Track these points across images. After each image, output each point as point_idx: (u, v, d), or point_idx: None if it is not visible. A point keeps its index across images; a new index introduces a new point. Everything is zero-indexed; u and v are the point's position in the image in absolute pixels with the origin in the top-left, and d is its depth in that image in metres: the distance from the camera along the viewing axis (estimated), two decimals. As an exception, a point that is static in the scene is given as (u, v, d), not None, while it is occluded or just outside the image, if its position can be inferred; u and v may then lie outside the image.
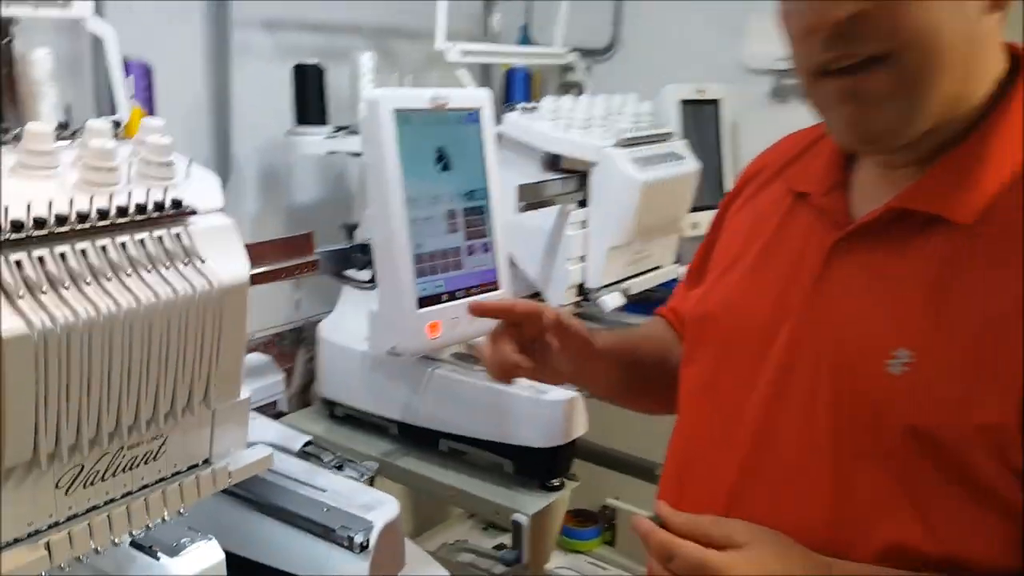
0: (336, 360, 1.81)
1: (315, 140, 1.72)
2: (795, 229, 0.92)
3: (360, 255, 1.38)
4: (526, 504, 1.57)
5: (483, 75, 2.33)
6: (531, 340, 1.10)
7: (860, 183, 0.88)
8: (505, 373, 1.12)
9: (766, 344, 0.89)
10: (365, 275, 1.43)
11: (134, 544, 1.01)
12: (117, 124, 0.99)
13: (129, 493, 0.92)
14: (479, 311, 1.12)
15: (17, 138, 0.89)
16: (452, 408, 1.64)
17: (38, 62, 1.16)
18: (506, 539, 2.39)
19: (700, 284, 1.07)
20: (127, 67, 1.33)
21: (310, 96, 1.72)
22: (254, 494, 1.24)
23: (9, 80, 1.06)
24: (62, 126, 0.97)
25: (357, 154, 1.78)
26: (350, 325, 1.81)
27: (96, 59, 1.60)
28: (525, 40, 2.59)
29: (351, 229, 1.40)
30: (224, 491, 1.20)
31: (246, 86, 1.89)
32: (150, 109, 1.27)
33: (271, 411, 1.67)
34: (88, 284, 0.80)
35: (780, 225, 0.94)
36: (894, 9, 0.72)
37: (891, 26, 0.73)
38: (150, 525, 0.93)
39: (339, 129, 1.78)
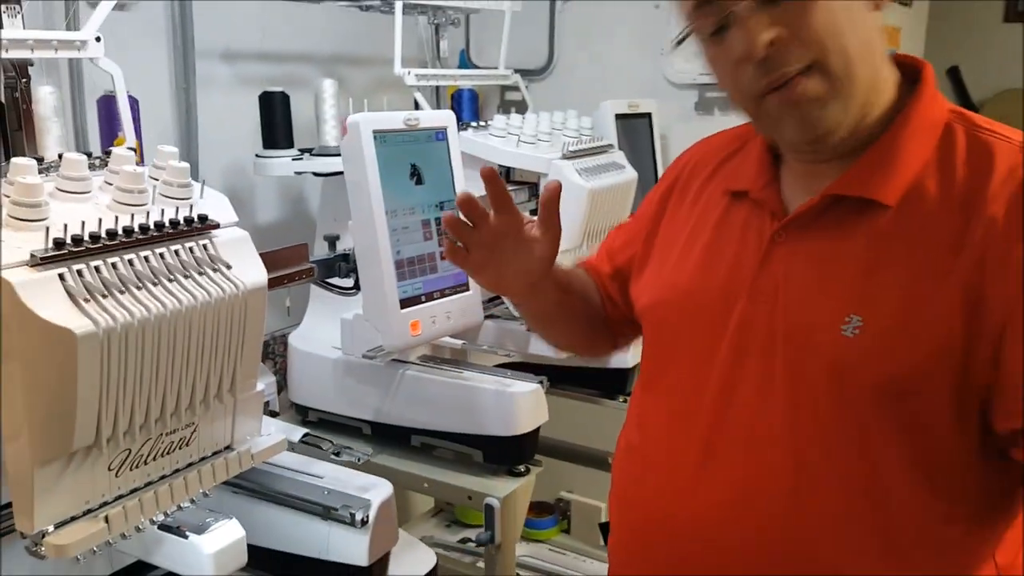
0: (308, 367, 1.92)
1: (282, 162, 1.85)
2: (735, 222, 1.01)
3: (343, 264, 1.51)
4: (496, 489, 1.70)
5: (434, 97, 2.49)
6: (497, 236, 1.08)
7: (789, 179, 1.00)
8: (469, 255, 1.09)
9: (720, 325, 0.96)
10: (347, 283, 1.56)
11: (162, 527, 1.12)
12: (133, 151, 1.11)
13: (166, 475, 1.04)
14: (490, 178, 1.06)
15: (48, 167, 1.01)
16: (422, 405, 1.77)
17: (44, 99, 1.27)
18: (469, 533, 2.54)
19: (639, 272, 1.14)
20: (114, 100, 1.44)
21: (277, 121, 1.84)
22: (257, 484, 1.36)
23: (27, 116, 1.17)
24: (87, 155, 1.08)
25: (319, 174, 1.91)
26: (320, 335, 1.93)
27: (75, 95, 1.71)
28: (464, 63, 2.76)
29: (333, 240, 1.53)
30: (228, 483, 1.32)
31: (209, 113, 2.01)
32: (139, 138, 1.38)
33: (265, 411, 1.77)
34: (139, 289, 0.92)
35: (720, 220, 1.03)
36: (806, 26, 0.83)
37: (808, 41, 0.84)
38: (186, 503, 1.05)
39: (303, 151, 1.90)
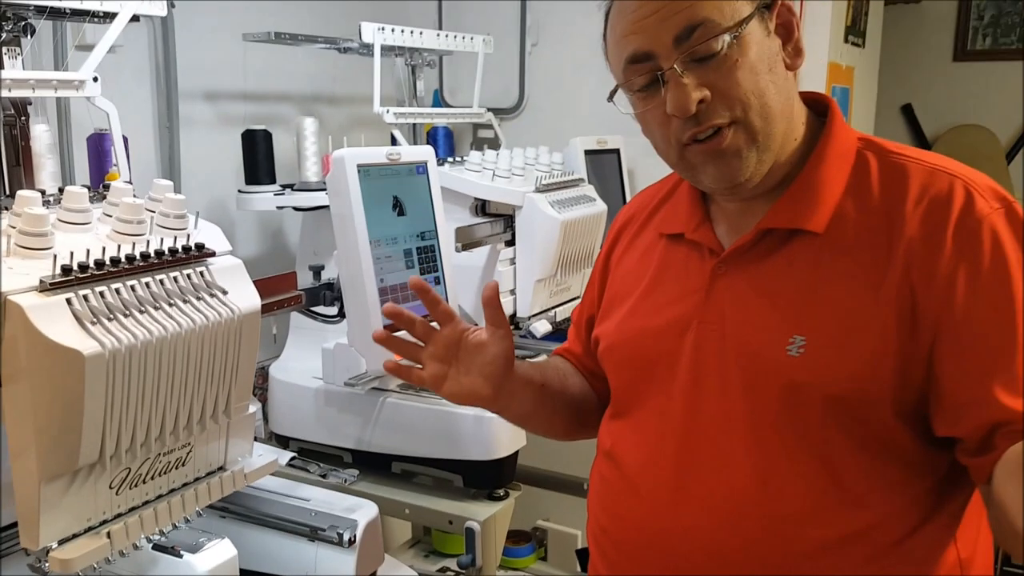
0: (288, 398, 1.96)
1: (265, 197, 1.90)
2: (676, 262, 1.07)
3: (327, 292, 1.56)
4: (476, 513, 1.74)
5: (411, 134, 2.57)
6: (447, 347, 1.09)
7: (720, 217, 1.05)
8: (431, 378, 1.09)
9: (676, 353, 1.02)
10: (332, 311, 1.61)
11: (157, 547, 1.16)
12: (128, 183, 1.17)
13: (163, 495, 1.08)
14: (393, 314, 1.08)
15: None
16: (403, 432, 1.81)
17: (39, 136, 1.32)
18: (448, 563, 2.57)
19: (602, 322, 1.18)
20: (107, 139, 1.49)
21: (259, 158, 1.90)
22: (245, 507, 1.40)
23: (25, 152, 1.22)
24: (86, 187, 1.13)
25: (300, 208, 1.97)
26: (299, 365, 1.97)
27: (63, 133, 1.76)
28: (437, 102, 2.84)
29: (318, 270, 1.58)
30: (216, 507, 1.36)
31: (191, 151, 2.07)
32: (130, 173, 1.43)
33: (250, 438, 1.80)
34: (141, 313, 0.97)
35: (661, 262, 1.09)
36: (732, 87, 0.91)
37: (733, 100, 0.92)
38: (183, 520, 1.09)
39: (284, 187, 1.96)
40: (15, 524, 1.16)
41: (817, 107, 1.03)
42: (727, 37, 0.90)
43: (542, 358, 1.92)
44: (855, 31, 2.65)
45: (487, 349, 1.08)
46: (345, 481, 1.41)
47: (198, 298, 1.04)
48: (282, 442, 1.99)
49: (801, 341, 0.93)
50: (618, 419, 1.13)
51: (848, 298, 0.92)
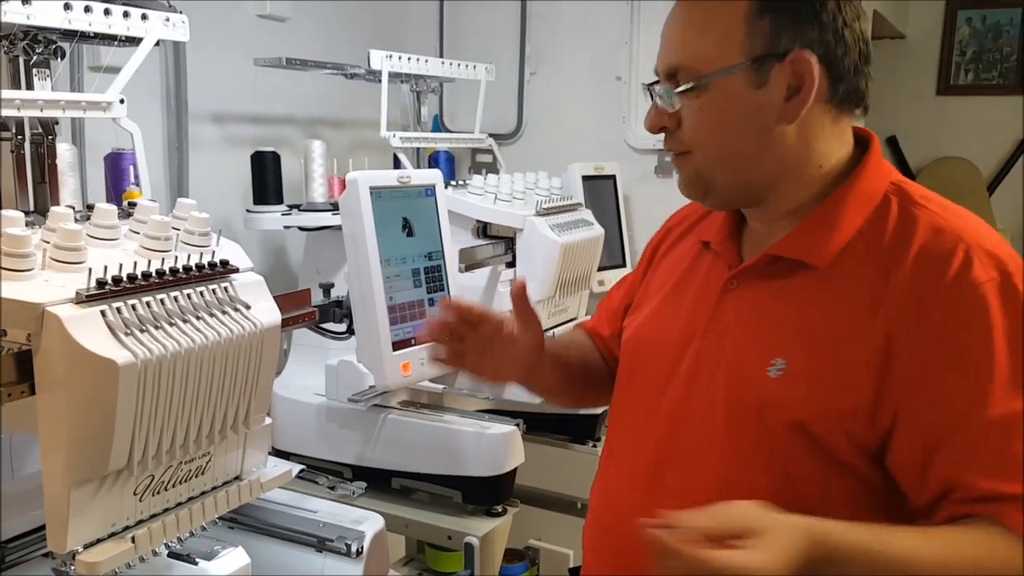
0: (290, 414, 1.99)
1: (272, 217, 1.95)
2: (700, 270, 1.14)
3: (337, 309, 1.61)
4: (475, 528, 1.78)
5: (414, 158, 2.62)
6: (484, 341, 1.18)
7: (749, 233, 1.13)
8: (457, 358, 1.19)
9: (678, 358, 1.09)
10: (340, 327, 1.66)
11: (172, 554, 1.19)
12: (152, 201, 1.21)
13: (182, 502, 1.12)
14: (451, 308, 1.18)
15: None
16: (403, 448, 1.85)
17: (62, 155, 1.36)
18: (442, 582, 2.59)
19: (632, 313, 1.27)
20: (124, 158, 1.54)
21: (268, 179, 1.95)
22: (255, 519, 1.43)
23: (51, 171, 1.26)
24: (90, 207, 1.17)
25: (305, 228, 2.02)
26: (301, 382, 2.01)
27: (80, 153, 1.80)
28: (437, 127, 2.91)
29: (328, 288, 1.63)
30: (226, 518, 1.40)
31: (198, 171, 2.11)
32: (151, 191, 1.48)
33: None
34: (170, 325, 1.01)
35: (689, 267, 1.16)
36: (688, 125, 1.01)
37: (686, 137, 1.02)
38: (201, 527, 1.12)
39: (291, 207, 2.01)
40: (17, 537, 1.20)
41: (864, 142, 1.07)
42: (699, 82, 0.99)
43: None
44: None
45: (519, 342, 1.20)
46: (353, 493, 1.45)
47: (223, 312, 1.08)
48: (283, 457, 2.01)
49: (782, 364, 0.99)
50: (618, 411, 1.20)
51: (833, 335, 0.97)
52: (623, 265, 2.51)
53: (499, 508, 1.84)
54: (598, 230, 2.16)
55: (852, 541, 0.89)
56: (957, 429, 0.91)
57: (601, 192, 2.47)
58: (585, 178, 2.39)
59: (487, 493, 1.83)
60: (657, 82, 1.04)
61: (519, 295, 1.18)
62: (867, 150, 1.06)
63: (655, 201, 2.64)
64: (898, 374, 0.93)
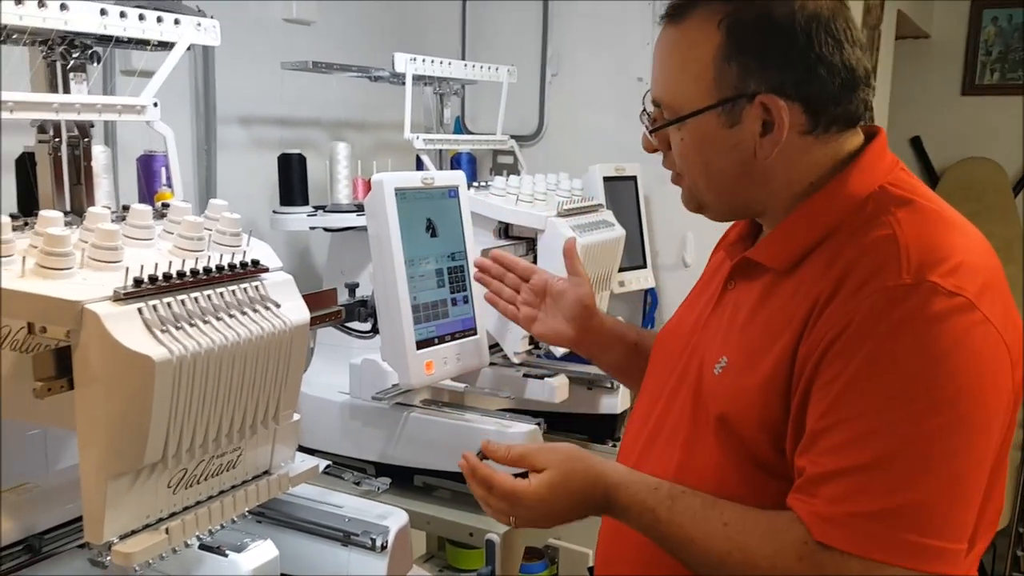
0: (313, 411, 2.02)
1: (299, 218, 1.98)
2: (720, 271, 1.20)
3: (362, 309, 1.64)
4: (496, 526, 1.79)
5: (437, 159, 2.65)
6: (535, 293, 1.39)
7: (761, 236, 1.17)
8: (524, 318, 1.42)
9: (681, 354, 1.16)
10: (365, 326, 1.69)
11: (203, 546, 1.22)
12: (185, 202, 1.25)
13: (213, 495, 1.15)
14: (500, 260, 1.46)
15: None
16: (425, 446, 1.87)
17: (97, 157, 1.40)
18: (463, 579, 2.62)
19: None
20: (156, 160, 1.57)
21: (294, 180, 1.98)
22: (281, 513, 1.46)
23: (87, 172, 1.30)
24: (125, 208, 1.21)
25: (330, 229, 2.05)
26: (324, 380, 2.04)
27: (114, 156, 1.84)
28: (459, 129, 2.93)
29: (352, 288, 1.66)
30: (253, 512, 1.43)
31: (225, 173, 2.15)
32: (183, 192, 1.51)
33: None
34: (204, 323, 1.04)
35: (715, 268, 1.24)
36: (677, 156, 1.08)
37: (674, 160, 1.09)
38: (231, 520, 1.15)
39: (317, 208, 2.04)
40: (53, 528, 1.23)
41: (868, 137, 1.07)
42: (676, 120, 1.04)
43: (561, 377, 2.01)
44: (865, 66, 2.73)
45: (568, 295, 1.38)
46: (378, 489, 1.48)
47: (253, 310, 1.11)
48: (308, 454, 2.05)
49: (724, 362, 1.05)
50: (637, 399, 1.29)
51: (767, 334, 1.00)
52: (644, 266, 2.53)
53: (520, 506, 1.86)
54: (619, 231, 2.17)
55: (632, 496, 1.02)
56: (819, 424, 0.92)
57: (622, 193, 2.48)
58: (606, 179, 2.41)
59: (508, 491, 1.85)
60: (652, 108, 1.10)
61: (570, 250, 1.38)
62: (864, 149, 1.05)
63: (676, 202, 2.62)
64: (798, 371, 0.95)
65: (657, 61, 1.08)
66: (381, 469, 1.95)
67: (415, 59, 2.00)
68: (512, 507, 1.07)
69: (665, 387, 1.17)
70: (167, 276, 1.03)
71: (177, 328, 1.01)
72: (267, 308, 1.13)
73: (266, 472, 1.23)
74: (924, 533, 0.85)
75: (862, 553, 0.86)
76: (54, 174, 1.25)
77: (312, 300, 1.35)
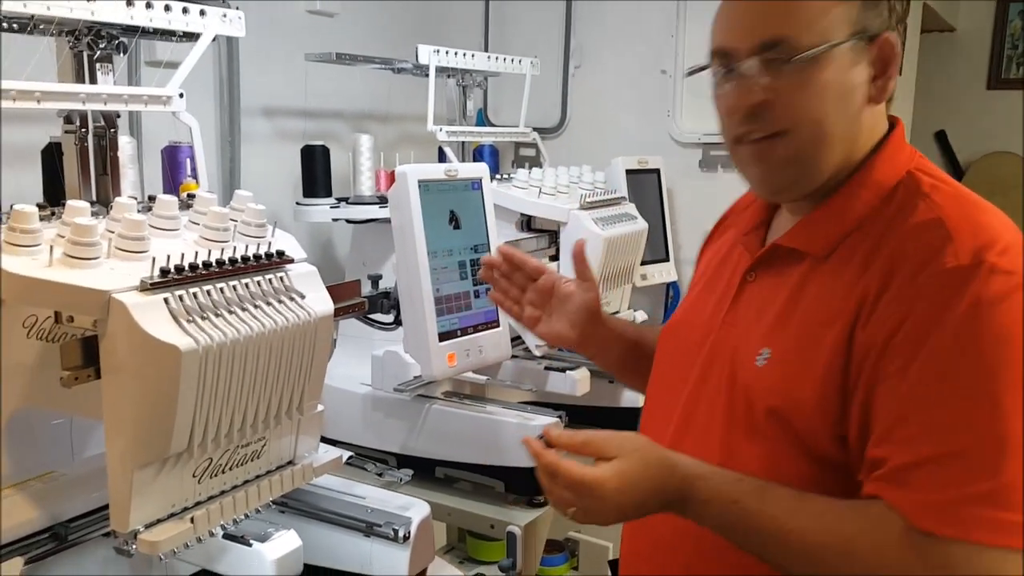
0: (335, 403, 2.02)
1: (322, 209, 1.99)
2: (730, 261, 1.17)
3: (384, 300, 1.64)
4: (517, 518, 1.80)
5: (460, 151, 2.65)
6: (541, 294, 1.33)
7: (776, 225, 1.15)
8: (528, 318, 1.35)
9: (700, 346, 1.12)
10: (388, 318, 1.69)
11: (227, 536, 1.23)
12: (211, 193, 1.25)
13: (238, 485, 1.15)
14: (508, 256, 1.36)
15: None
16: (447, 438, 1.87)
17: (123, 148, 1.41)
18: (483, 570, 2.62)
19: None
20: (181, 151, 1.58)
21: (317, 172, 1.99)
22: (304, 503, 1.46)
23: (113, 163, 1.30)
24: (151, 198, 1.21)
25: (353, 220, 2.05)
26: (346, 371, 2.05)
27: (140, 146, 1.85)
28: (481, 121, 2.93)
29: (376, 280, 1.66)
30: (277, 502, 1.43)
31: (249, 164, 2.16)
32: (208, 183, 1.52)
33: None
34: (229, 313, 1.04)
35: (724, 259, 1.19)
36: (789, 100, 0.96)
37: (787, 113, 0.97)
38: (256, 510, 1.16)
39: (340, 200, 2.05)
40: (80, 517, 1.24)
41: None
42: (804, 55, 0.95)
43: (583, 370, 2.00)
44: (892, 59, 2.71)
45: (574, 298, 1.32)
46: (400, 480, 1.48)
47: (279, 301, 1.11)
48: (330, 445, 2.06)
49: (767, 354, 1.01)
50: (648, 398, 1.24)
51: (814, 324, 0.98)
52: (666, 259, 2.52)
53: (541, 499, 1.86)
54: (642, 224, 2.16)
55: (714, 488, 0.96)
56: (893, 413, 0.91)
57: (645, 186, 2.47)
58: (629, 172, 2.40)
59: (529, 484, 1.82)
60: (727, 59, 1.00)
61: (579, 253, 1.30)
62: (888, 137, 1.05)
63: (699, 195, 2.64)
64: (859, 361, 0.93)
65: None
66: (403, 461, 1.95)
67: (438, 51, 1.99)
68: (578, 497, 0.96)
69: (684, 383, 1.13)
70: (193, 266, 1.03)
71: (203, 318, 1.01)
72: (292, 299, 1.13)
73: (290, 462, 1.23)
74: (1020, 510, 0.85)
75: (966, 537, 0.86)
76: (80, 164, 1.25)
77: (336, 291, 1.35)
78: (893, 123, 1.06)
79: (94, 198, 1.30)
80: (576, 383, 1.97)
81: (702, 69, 1.07)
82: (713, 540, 1.00)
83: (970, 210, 0.95)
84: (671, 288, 2.61)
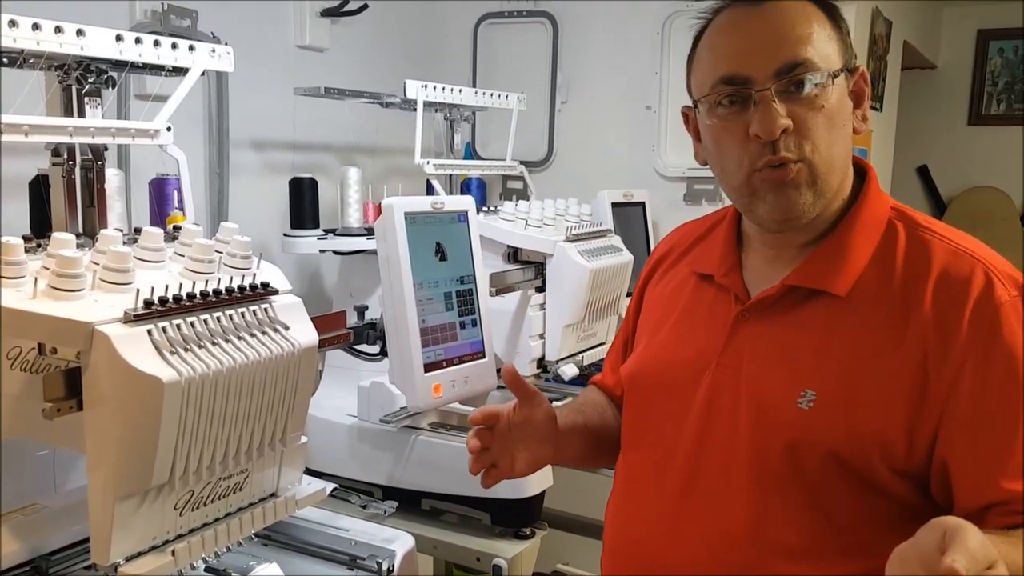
0: (321, 434, 2.02)
1: (309, 241, 2.00)
2: (704, 302, 1.13)
3: (371, 331, 1.65)
4: (504, 550, 1.79)
5: (447, 184, 2.67)
6: (503, 436, 1.16)
7: (751, 265, 1.10)
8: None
9: (691, 390, 1.08)
10: (374, 349, 1.69)
11: (209, 569, 1.22)
12: (196, 225, 1.26)
13: (220, 517, 1.15)
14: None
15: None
16: (433, 469, 1.87)
17: (110, 180, 1.42)
18: (469, 603, 2.60)
19: (634, 349, 1.26)
20: (168, 183, 1.59)
21: (305, 204, 2.00)
22: (287, 536, 1.46)
23: (100, 195, 1.31)
24: (137, 230, 1.22)
25: (340, 252, 2.06)
26: (332, 403, 2.05)
27: (127, 179, 1.86)
28: (469, 155, 2.95)
29: (362, 310, 1.66)
30: (259, 535, 1.42)
31: (238, 196, 2.17)
32: (194, 215, 1.53)
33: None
34: (213, 345, 1.05)
35: (690, 299, 1.16)
36: (809, 128, 0.98)
37: (808, 139, 0.98)
38: (238, 542, 1.15)
39: (327, 231, 2.06)
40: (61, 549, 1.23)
41: (859, 171, 1.09)
42: (820, 79, 0.98)
43: (568, 400, 2.00)
44: (873, 95, 2.75)
45: (533, 419, 1.16)
46: (384, 513, 1.47)
47: (263, 332, 1.12)
48: (315, 477, 2.05)
49: (812, 395, 0.99)
50: (630, 449, 1.18)
51: (860, 362, 0.98)
52: (652, 291, 2.53)
53: (527, 531, 1.85)
54: (627, 256, 2.18)
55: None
56: (999, 447, 0.92)
57: (630, 219, 2.50)
58: (614, 205, 2.42)
59: (516, 515, 1.84)
60: (745, 87, 0.99)
61: (513, 378, 1.15)
62: (864, 179, 1.08)
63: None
64: (933, 402, 0.94)
65: (783, 24, 1.00)
66: (389, 492, 1.94)
67: (426, 86, 2.02)
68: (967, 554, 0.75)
69: (678, 433, 1.08)
70: (177, 298, 1.04)
71: (186, 350, 1.02)
72: (276, 330, 1.13)
73: (273, 495, 1.23)
74: None
75: None
76: (67, 196, 1.26)
77: (321, 322, 1.36)
78: (865, 166, 1.09)
79: (80, 230, 1.31)
80: (562, 414, 1.97)
81: (703, 97, 1.05)
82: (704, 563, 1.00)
83: (975, 242, 1.01)
84: (657, 320, 2.62)
